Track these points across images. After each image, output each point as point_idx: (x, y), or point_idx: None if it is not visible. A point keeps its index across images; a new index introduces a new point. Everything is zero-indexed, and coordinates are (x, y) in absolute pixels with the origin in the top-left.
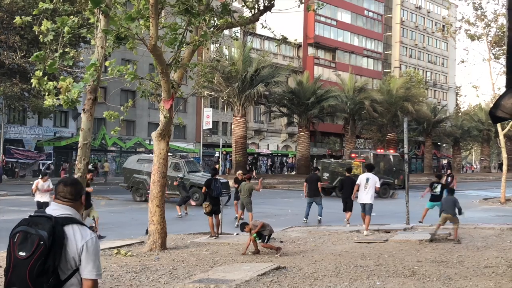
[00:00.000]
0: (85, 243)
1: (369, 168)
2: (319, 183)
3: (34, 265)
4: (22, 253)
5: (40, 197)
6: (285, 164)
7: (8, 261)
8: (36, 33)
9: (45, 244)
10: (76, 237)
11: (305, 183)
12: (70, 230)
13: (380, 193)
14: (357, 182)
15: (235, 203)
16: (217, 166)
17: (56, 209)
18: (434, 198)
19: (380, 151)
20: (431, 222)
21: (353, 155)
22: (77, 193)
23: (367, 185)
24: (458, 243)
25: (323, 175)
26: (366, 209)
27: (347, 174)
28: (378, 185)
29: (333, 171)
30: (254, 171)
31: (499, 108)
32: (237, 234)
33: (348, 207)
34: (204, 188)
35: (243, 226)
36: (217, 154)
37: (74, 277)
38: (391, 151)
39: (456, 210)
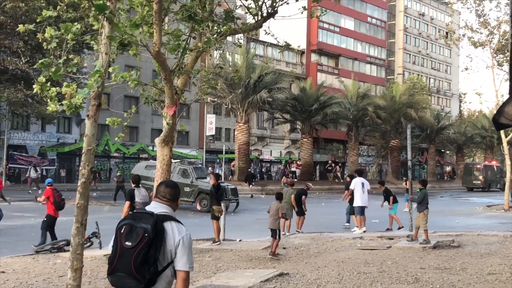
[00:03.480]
0: (182, 238)
1: (359, 173)
2: None
3: (138, 254)
4: (128, 243)
5: None
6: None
7: (114, 250)
8: (40, 40)
9: (149, 236)
10: (174, 233)
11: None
12: (169, 226)
13: None
14: (351, 187)
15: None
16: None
17: (156, 207)
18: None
19: (488, 163)
20: (434, 228)
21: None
22: (175, 194)
23: (363, 189)
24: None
25: None
26: (363, 211)
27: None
28: (369, 187)
29: None
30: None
31: (502, 115)
32: (240, 240)
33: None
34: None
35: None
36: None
37: (169, 269)
38: (494, 162)
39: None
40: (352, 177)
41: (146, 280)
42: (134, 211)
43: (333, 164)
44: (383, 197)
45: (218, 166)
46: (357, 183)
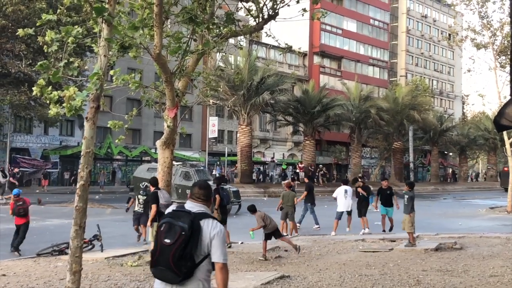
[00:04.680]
0: (216, 233)
1: (344, 182)
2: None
3: (176, 250)
4: (167, 240)
5: None
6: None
7: (155, 246)
8: (41, 44)
9: (186, 234)
10: (209, 228)
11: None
12: (205, 223)
13: None
14: (334, 195)
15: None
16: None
17: (192, 207)
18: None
19: None
20: (437, 230)
21: (506, 169)
22: (208, 195)
23: (346, 195)
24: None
25: None
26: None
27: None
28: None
29: None
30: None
31: (503, 116)
32: (242, 242)
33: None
34: (218, 197)
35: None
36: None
37: (205, 261)
38: None
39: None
40: (310, 178)
41: (183, 273)
42: (173, 209)
43: (324, 169)
44: (385, 194)
45: (218, 168)
46: (339, 191)
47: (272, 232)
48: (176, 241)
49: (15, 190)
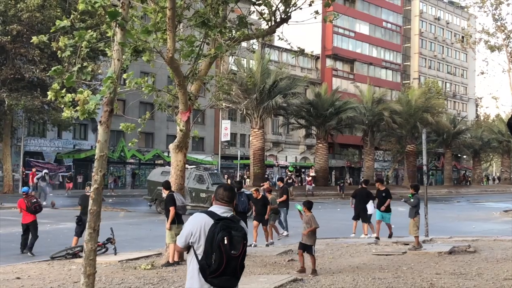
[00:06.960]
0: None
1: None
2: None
3: (242, 258)
4: (234, 252)
5: None
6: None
7: (220, 259)
8: (54, 49)
9: (246, 241)
10: (245, 228)
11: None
12: (242, 224)
13: None
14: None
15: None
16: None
17: (225, 212)
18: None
19: None
20: (451, 233)
21: None
22: (233, 197)
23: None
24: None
25: None
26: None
27: (363, 186)
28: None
29: None
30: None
31: None
32: (255, 245)
33: (363, 218)
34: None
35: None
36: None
37: None
38: None
39: None
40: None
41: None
42: (218, 218)
43: (293, 177)
44: (380, 197)
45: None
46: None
47: (308, 245)
48: (242, 251)
49: (25, 188)
